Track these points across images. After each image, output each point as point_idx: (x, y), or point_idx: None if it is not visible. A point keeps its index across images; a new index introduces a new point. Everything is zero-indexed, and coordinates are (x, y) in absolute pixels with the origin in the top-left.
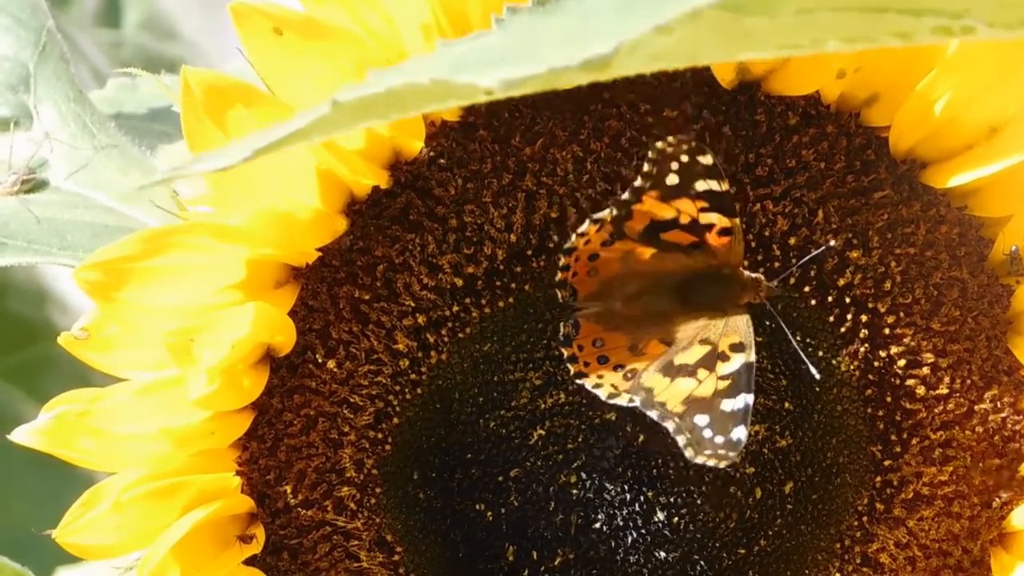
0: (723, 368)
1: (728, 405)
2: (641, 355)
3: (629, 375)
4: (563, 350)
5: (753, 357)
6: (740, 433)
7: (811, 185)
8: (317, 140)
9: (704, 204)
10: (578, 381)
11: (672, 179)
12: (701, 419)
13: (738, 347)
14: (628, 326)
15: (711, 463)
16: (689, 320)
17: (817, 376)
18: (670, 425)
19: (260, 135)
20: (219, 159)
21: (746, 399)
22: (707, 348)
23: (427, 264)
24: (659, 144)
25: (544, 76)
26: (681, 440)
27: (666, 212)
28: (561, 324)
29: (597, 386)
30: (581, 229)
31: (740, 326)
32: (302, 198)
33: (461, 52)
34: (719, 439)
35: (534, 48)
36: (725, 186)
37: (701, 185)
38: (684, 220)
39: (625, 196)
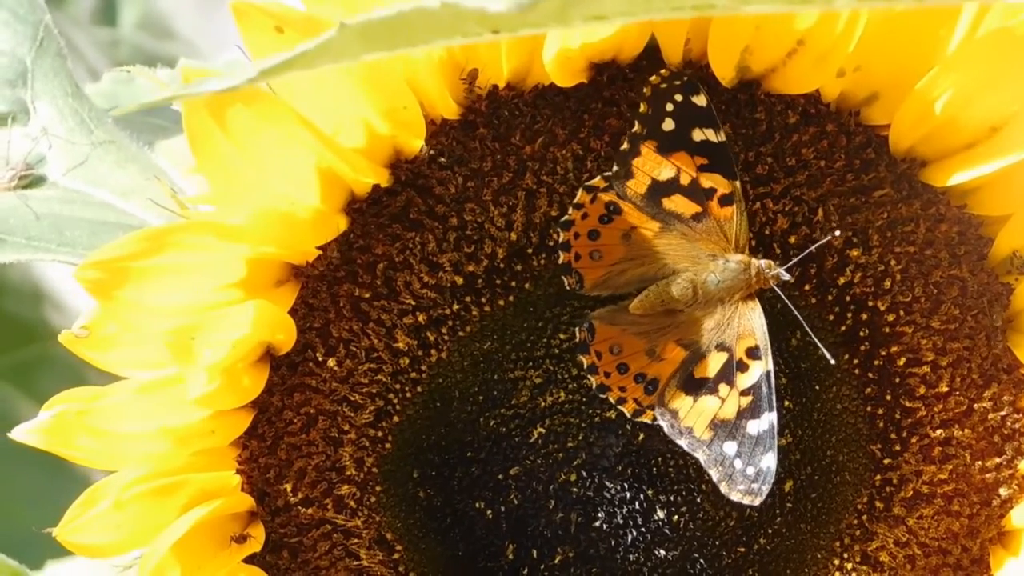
0: (743, 381)
1: (754, 427)
2: (660, 360)
3: (650, 387)
4: (582, 359)
5: (771, 364)
6: (769, 461)
7: (811, 183)
8: (322, 65)
9: (703, 160)
10: (601, 396)
11: (668, 124)
12: (730, 447)
13: (754, 352)
14: (643, 327)
15: (746, 501)
16: (701, 314)
17: (832, 361)
18: (701, 456)
19: (267, 59)
20: (226, 80)
21: (770, 418)
22: (724, 356)
23: (427, 262)
24: (652, 78)
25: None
26: (715, 475)
27: (665, 169)
28: (576, 329)
29: (621, 401)
30: (576, 200)
31: (754, 323)
32: (303, 197)
33: None
34: (750, 470)
35: None
36: (722, 136)
37: (698, 135)
38: (684, 181)
39: (624, 146)
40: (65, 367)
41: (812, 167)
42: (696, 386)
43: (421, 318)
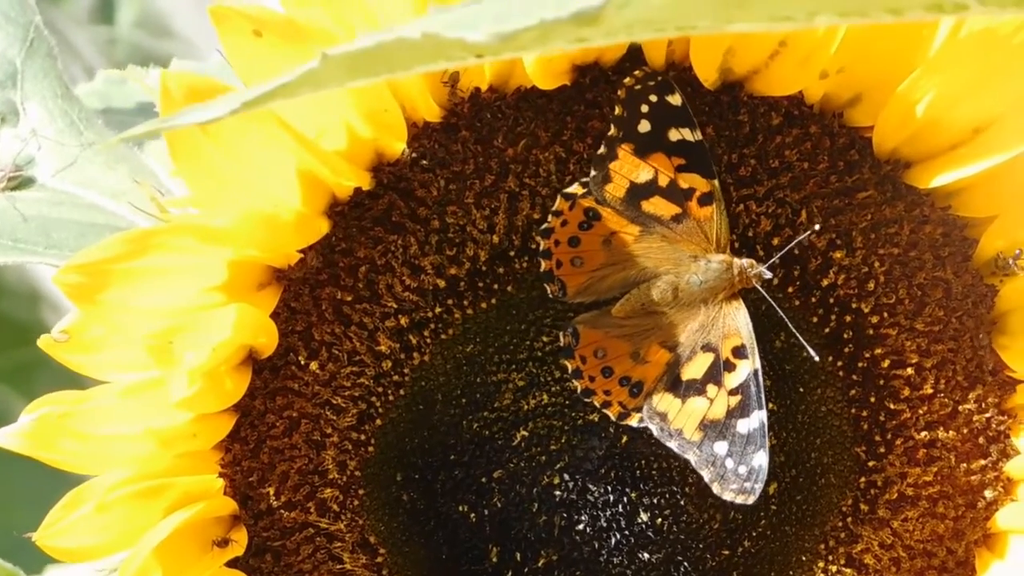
0: (731, 380)
1: (744, 426)
2: (644, 363)
3: (635, 390)
4: (567, 363)
5: (758, 362)
6: (760, 459)
7: (794, 185)
8: (305, 95)
9: (681, 160)
10: (586, 400)
11: (644, 126)
12: (720, 447)
13: (741, 351)
14: (626, 329)
15: (739, 500)
16: (685, 316)
17: (816, 358)
18: (692, 458)
19: (248, 90)
20: (207, 111)
21: (760, 416)
22: (711, 356)
23: (409, 265)
24: (626, 80)
25: (536, 29)
26: (706, 475)
27: (643, 172)
28: (560, 334)
29: (606, 404)
30: (555, 207)
31: (739, 322)
32: (285, 199)
33: (455, 14)
34: (742, 469)
35: (527, 7)
36: (698, 135)
37: (674, 135)
38: (663, 182)
39: (601, 150)
40: (62, 369)
41: (795, 169)
42: (684, 388)
43: (403, 321)
